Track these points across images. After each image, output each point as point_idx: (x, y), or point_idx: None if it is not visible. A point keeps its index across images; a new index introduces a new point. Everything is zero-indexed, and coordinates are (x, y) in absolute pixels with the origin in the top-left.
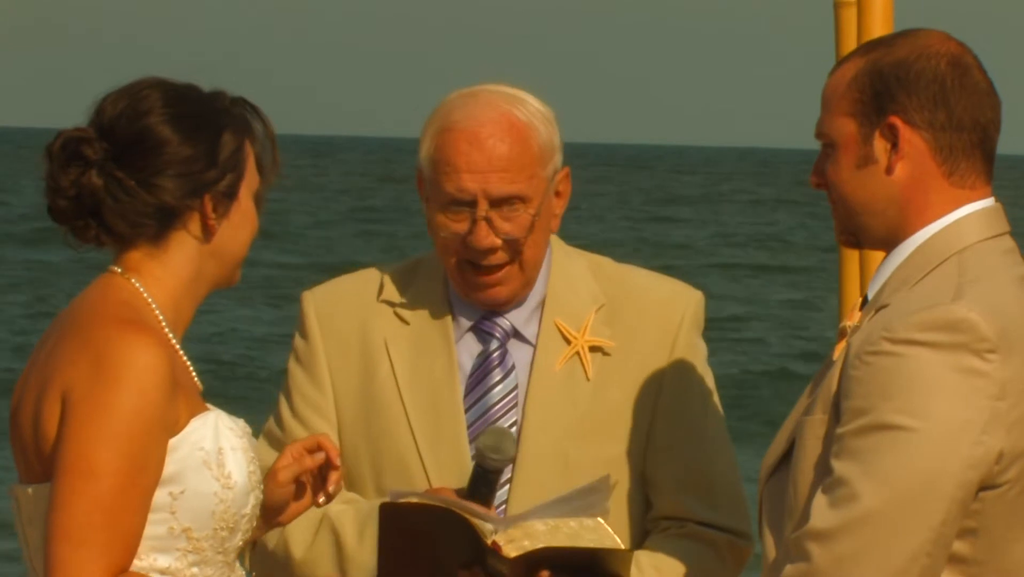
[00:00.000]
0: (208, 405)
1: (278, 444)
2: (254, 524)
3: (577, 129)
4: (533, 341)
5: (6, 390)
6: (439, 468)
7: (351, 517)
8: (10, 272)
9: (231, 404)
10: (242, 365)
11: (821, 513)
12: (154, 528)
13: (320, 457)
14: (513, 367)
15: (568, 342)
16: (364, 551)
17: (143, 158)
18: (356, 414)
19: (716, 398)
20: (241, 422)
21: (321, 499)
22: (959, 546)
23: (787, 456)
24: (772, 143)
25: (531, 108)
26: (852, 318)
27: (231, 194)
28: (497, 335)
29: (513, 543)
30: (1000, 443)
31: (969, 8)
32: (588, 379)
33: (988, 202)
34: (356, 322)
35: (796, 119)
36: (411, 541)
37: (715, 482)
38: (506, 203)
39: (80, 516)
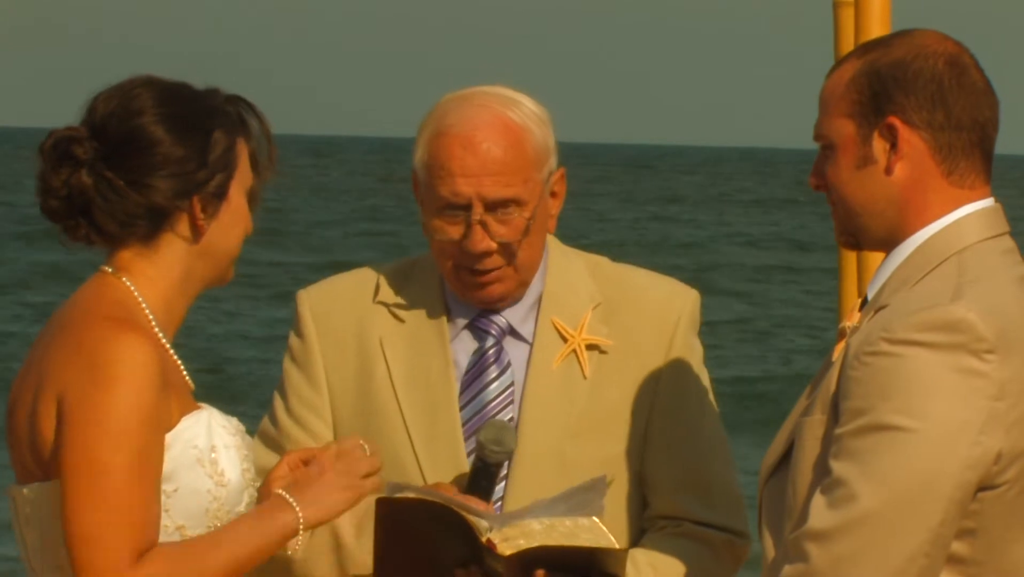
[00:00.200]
0: (200, 404)
1: (273, 443)
2: None
3: (577, 129)
4: (530, 339)
5: (6, 388)
6: (434, 465)
7: (348, 514)
8: (10, 272)
9: (231, 403)
10: (243, 364)
11: (819, 513)
12: None
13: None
14: (509, 364)
15: (565, 340)
16: (362, 547)
17: (133, 158)
18: (352, 412)
19: (712, 397)
20: (234, 420)
21: None
22: (958, 546)
23: (787, 457)
24: (772, 143)
25: (526, 110)
26: (851, 319)
27: (220, 194)
28: (493, 332)
29: (508, 541)
30: (998, 443)
31: (968, 8)
32: (585, 377)
33: (988, 202)
34: (352, 321)
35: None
36: (407, 537)
37: (712, 482)
38: (501, 206)
39: (97, 516)
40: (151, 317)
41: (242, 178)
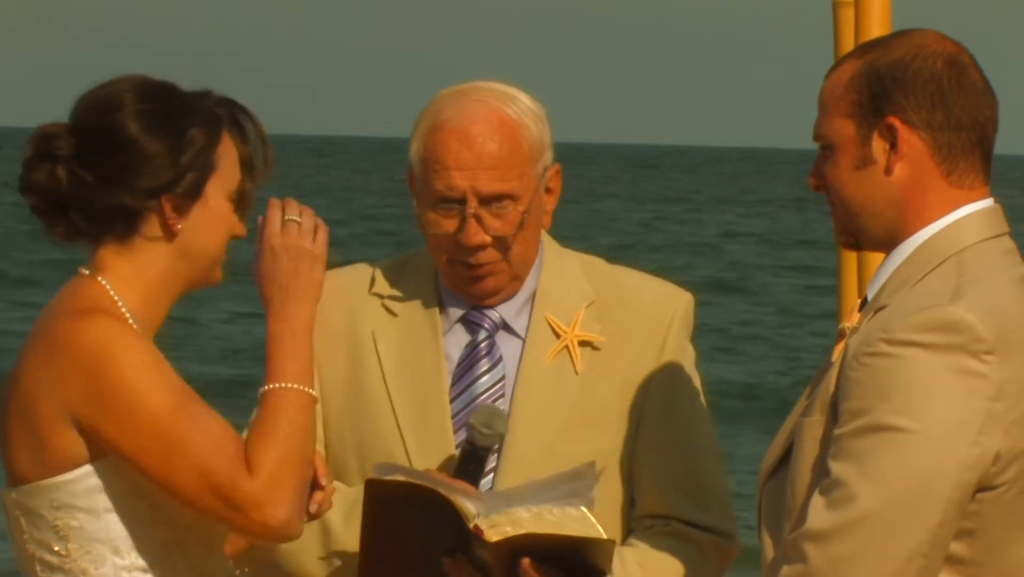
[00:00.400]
0: None
1: None
2: None
3: (577, 129)
4: (522, 335)
5: None
6: (423, 456)
7: (338, 501)
8: (17, 270)
9: (232, 401)
10: (243, 363)
11: (818, 514)
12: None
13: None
14: (500, 358)
15: (558, 336)
16: (350, 534)
17: (107, 155)
18: (343, 405)
19: (703, 399)
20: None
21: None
22: (957, 547)
23: (786, 457)
24: (772, 143)
25: (522, 106)
26: (851, 319)
27: (193, 194)
28: (486, 326)
29: (496, 528)
30: (997, 444)
31: (967, 8)
32: (577, 373)
33: (987, 202)
34: (346, 315)
35: (796, 119)
36: (395, 522)
37: (701, 482)
38: (496, 201)
39: (195, 459)
40: (128, 315)
41: (223, 179)
